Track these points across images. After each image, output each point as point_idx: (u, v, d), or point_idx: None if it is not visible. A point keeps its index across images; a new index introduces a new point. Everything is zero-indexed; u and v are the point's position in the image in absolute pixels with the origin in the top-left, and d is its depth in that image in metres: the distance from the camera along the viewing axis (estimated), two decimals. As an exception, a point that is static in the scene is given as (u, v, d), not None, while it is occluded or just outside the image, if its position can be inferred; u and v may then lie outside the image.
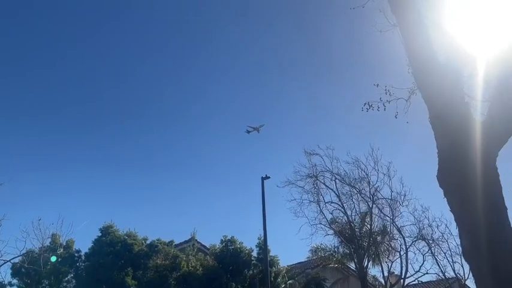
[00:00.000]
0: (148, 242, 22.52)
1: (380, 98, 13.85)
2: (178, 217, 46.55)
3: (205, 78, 51.83)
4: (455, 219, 5.53)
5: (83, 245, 26.58)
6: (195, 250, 23.16)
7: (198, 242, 24.29)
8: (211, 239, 30.44)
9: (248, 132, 33.63)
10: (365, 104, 14.32)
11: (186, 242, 24.37)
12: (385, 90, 13.80)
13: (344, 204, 25.11)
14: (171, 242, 23.10)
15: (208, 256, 22.92)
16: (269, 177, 22.45)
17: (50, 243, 22.07)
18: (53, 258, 21.21)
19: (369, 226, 24.95)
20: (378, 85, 14.14)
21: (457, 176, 5.29)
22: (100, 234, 21.97)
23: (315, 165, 24.94)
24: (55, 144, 49.92)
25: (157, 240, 22.63)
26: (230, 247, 22.36)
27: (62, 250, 22.06)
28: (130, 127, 52.92)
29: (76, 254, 22.16)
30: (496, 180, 5.24)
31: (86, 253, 22.00)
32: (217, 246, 22.88)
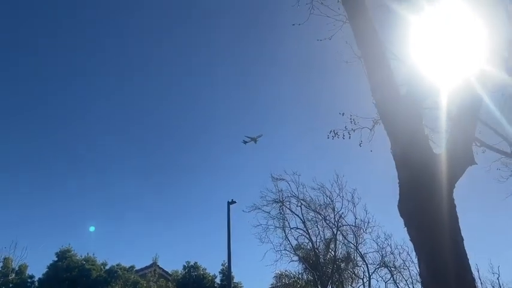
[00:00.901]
0: (107, 267, 21.72)
1: (345, 127, 14.25)
2: (141, 241, 45.25)
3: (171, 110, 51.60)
4: (414, 249, 5.61)
5: (37, 270, 25.26)
6: (157, 276, 22.48)
7: (160, 268, 23.63)
8: (173, 265, 29.63)
9: (245, 142, 32.55)
10: (331, 131, 14.69)
11: (147, 267, 23.65)
12: (350, 119, 14.21)
13: (309, 230, 25.19)
14: (132, 267, 22.36)
15: (170, 282, 22.27)
16: (235, 202, 22.31)
17: (1, 267, 20.87)
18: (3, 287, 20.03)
19: (333, 253, 25.04)
20: (343, 114, 14.56)
21: (417, 207, 5.40)
22: (56, 258, 21.01)
23: (282, 190, 25.04)
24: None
25: (117, 265, 21.85)
26: (193, 273, 21.85)
27: (13, 276, 20.87)
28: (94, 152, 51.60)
29: (29, 280, 21.04)
30: (453, 211, 5.38)
31: (39, 279, 20.93)
32: (180, 272, 22.31)
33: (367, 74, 6.51)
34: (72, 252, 21.37)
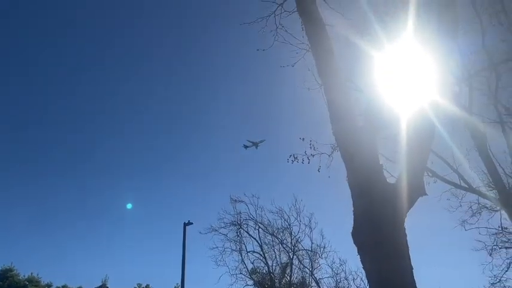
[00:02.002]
0: (52, 288, 20.56)
1: (305, 152, 14.48)
2: (90, 261, 43.31)
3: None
4: (366, 276, 5.69)
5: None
6: (105, 298, 21.51)
7: (110, 290, 22.64)
8: (124, 286, 28.49)
9: (246, 147, 31.34)
10: (290, 155, 14.87)
11: (96, 289, 22.61)
12: (310, 144, 14.46)
13: (266, 254, 25.00)
14: (79, 289, 21.29)
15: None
16: (192, 223, 21.90)
17: None
18: None
19: (288, 277, 24.94)
20: (303, 139, 14.80)
21: (369, 235, 5.50)
22: (-4, 278, 19.65)
23: (240, 213, 24.87)
24: None
25: (64, 286, 20.75)
26: (144, 296, 21.05)
27: None
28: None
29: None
30: (404, 240, 5.51)
31: (-24, 300, 19.46)
32: (131, 294, 21.44)
33: (327, 102, 6.66)
34: (15, 271, 20.09)
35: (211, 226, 24.40)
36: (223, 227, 24.50)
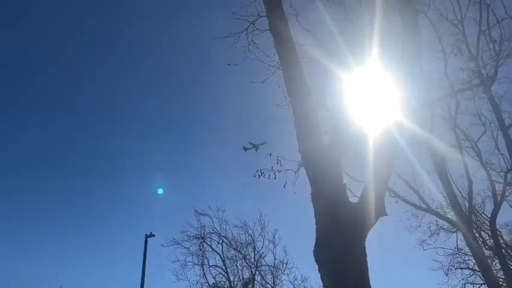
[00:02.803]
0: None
1: (272, 167, 14.57)
2: (44, 270, 41.41)
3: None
4: (326, 294, 5.73)
5: None
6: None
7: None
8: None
9: (245, 149, 30.47)
10: (257, 170, 14.93)
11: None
12: (277, 160, 14.58)
13: (228, 269, 24.77)
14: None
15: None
16: (154, 235, 21.45)
17: None
18: None
19: (250, 293, 24.76)
20: (270, 154, 14.92)
21: (330, 254, 5.56)
22: None
23: (204, 226, 24.62)
24: None
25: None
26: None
27: None
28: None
29: None
30: (364, 259, 5.61)
31: None
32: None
33: (294, 120, 6.76)
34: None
35: (174, 239, 24.08)
36: (186, 240, 24.20)
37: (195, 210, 24.91)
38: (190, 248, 24.27)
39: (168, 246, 23.97)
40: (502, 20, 14.09)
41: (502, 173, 15.36)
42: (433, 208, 16.25)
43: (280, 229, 25.55)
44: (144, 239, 21.15)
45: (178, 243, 24.01)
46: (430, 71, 14.56)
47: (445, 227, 17.66)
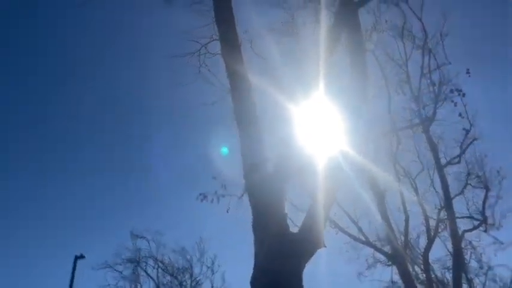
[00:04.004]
0: None
1: (216, 191, 14.27)
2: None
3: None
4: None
5: None
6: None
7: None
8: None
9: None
10: (200, 194, 14.54)
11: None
12: (222, 184, 14.31)
13: (162, 296, 23.81)
14: None
15: None
16: (84, 257, 20.20)
17: None
18: None
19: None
20: (215, 178, 14.64)
21: (267, 285, 5.40)
22: None
23: (140, 249, 23.63)
24: None
25: None
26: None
27: None
28: None
29: None
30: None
31: None
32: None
33: (240, 147, 6.66)
34: None
35: (106, 262, 22.87)
36: (119, 264, 23.09)
37: (131, 233, 23.90)
38: (123, 272, 23.18)
39: (99, 269, 22.75)
40: (442, 65, 15.08)
41: (436, 210, 16.08)
42: (371, 241, 16.61)
43: (220, 255, 25.07)
44: (73, 260, 19.87)
45: (111, 266, 22.87)
46: (375, 107, 15.17)
47: (381, 260, 18.07)
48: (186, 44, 8.41)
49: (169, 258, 24.15)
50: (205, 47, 8.23)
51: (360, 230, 16.34)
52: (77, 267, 19.64)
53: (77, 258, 19.86)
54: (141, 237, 23.75)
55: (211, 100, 9.43)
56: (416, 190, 16.19)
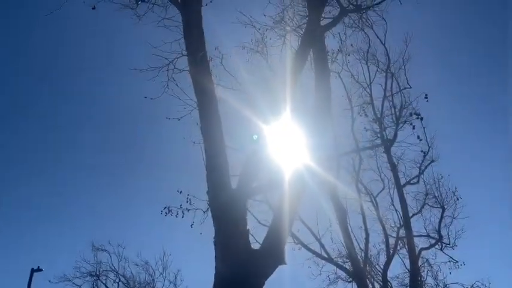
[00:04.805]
0: None
1: (180, 205, 14.17)
2: None
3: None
4: None
5: None
6: None
7: None
8: None
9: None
10: (165, 208, 14.42)
11: None
12: (187, 198, 14.24)
13: (121, 312, 23.18)
14: None
15: None
16: (41, 270, 19.52)
17: None
18: None
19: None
20: (181, 192, 14.55)
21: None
22: None
23: (100, 262, 22.99)
24: None
25: None
26: None
27: None
28: None
29: None
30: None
31: None
32: None
33: (205, 161, 6.74)
34: None
35: (65, 275, 22.10)
36: (78, 277, 22.35)
37: (93, 245, 23.26)
38: (82, 286, 22.41)
39: (56, 282, 21.91)
40: (403, 89, 15.75)
41: (396, 228, 16.57)
42: (333, 257, 16.87)
43: (184, 270, 24.73)
44: (29, 273, 19.16)
45: (69, 280, 22.08)
46: (339, 127, 15.63)
47: (342, 277, 18.34)
48: (155, 59, 8.45)
49: (131, 272, 23.60)
50: (173, 63, 8.31)
51: (323, 246, 16.57)
52: (33, 281, 18.95)
53: (33, 270, 19.18)
54: (102, 250, 23.13)
55: (178, 115, 9.46)
56: (377, 208, 16.64)
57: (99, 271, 22.87)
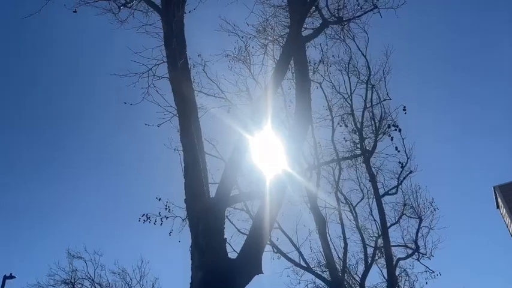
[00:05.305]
0: None
1: (159, 213, 14.03)
2: None
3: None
4: None
5: None
6: None
7: None
8: None
9: None
10: (143, 215, 14.25)
11: None
12: (166, 206, 14.10)
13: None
14: None
15: None
16: (14, 277, 19.00)
17: None
18: None
19: None
20: (160, 199, 14.41)
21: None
22: None
23: (76, 270, 22.48)
24: None
25: None
26: None
27: None
28: None
29: None
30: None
31: None
32: None
33: (184, 169, 6.69)
34: None
35: (38, 282, 21.54)
36: (52, 285, 21.80)
37: (68, 252, 22.76)
38: (56, 294, 21.87)
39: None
40: (383, 101, 15.97)
41: (374, 238, 16.71)
42: (312, 267, 16.88)
43: (161, 278, 24.45)
44: (1, 280, 18.63)
45: (43, 288, 21.51)
46: (320, 136, 15.76)
47: (321, 286, 18.36)
48: (136, 64, 8.40)
49: (108, 280, 23.14)
50: (152, 70, 8.27)
51: (302, 255, 16.58)
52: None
53: (5, 278, 18.66)
54: (77, 257, 22.63)
55: (158, 121, 9.41)
56: (356, 218, 16.75)
57: (74, 279, 22.36)
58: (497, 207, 32.06)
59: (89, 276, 22.57)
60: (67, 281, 22.09)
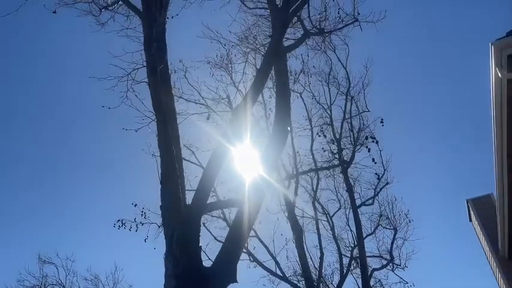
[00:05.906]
0: None
1: (135, 219, 13.81)
2: None
3: None
4: None
5: None
6: None
7: None
8: None
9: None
10: (118, 220, 14.01)
11: None
12: (142, 212, 13.90)
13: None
14: None
15: None
16: (-20, 283, 18.32)
17: None
18: None
19: None
20: (136, 205, 14.19)
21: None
22: None
23: (47, 276, 21.88)
24: None
25: None
26: None
27: None
28: None
29: None
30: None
31: None
32: None
33: (160, 176, 6.62)
34: None
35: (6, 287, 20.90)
36: (20, 290, 21.15)
37: (39, 257, 22.11)
38: (25, 301, 21.21)
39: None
40: (362, 112, 16.19)
41: (350, 248, 16.82)
42: (288, 276, 16.86)
43: (135, 286, 23.97)
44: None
45: (11, 293, 20.83)
46: (299, 146, 15.84)
47: (296, 295, 18.35)
48: (115, 68, 8.30)
49: (79, 287, 22.59)
50: (131, 75, 8.18)
51: (278, 264, 16.56)
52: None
53: (-30, 284, 17.96)
54: (49, 263, 22.02)
55: (136, 126, 9.30)
56: (333, 228, 16.85)
57: (45, 285, 21.73)
58: (470, 220, 32.77)
59: (60, 282, 21.98)
60: (37, 286, 21.47)
